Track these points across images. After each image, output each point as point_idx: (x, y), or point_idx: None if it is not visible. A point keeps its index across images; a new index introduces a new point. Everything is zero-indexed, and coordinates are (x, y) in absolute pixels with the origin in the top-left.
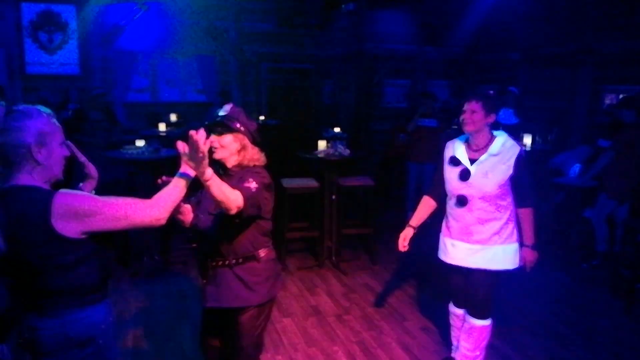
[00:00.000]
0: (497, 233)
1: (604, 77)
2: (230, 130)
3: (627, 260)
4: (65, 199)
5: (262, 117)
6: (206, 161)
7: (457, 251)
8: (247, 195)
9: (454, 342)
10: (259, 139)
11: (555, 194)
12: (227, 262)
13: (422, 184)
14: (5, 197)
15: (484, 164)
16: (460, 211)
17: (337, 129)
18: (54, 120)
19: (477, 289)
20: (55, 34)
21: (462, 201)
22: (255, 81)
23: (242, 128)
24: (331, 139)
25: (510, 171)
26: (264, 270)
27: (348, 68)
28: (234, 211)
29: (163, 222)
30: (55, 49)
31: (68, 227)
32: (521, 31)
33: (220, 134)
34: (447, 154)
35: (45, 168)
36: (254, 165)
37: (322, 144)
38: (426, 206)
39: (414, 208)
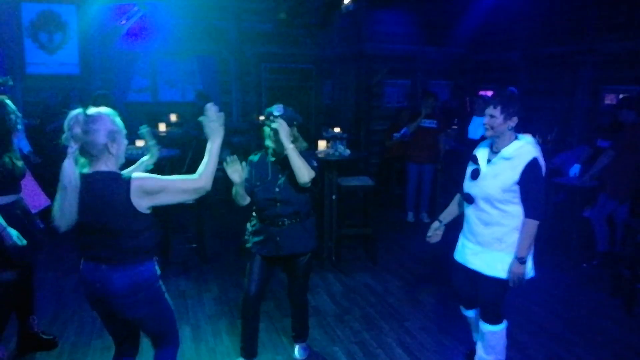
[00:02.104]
0: (499, 239)
1: (604, 77)
2: (288, 125)
3: (627, 260)
4: (140, 181)
5: (262, 117)
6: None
7: (463, 250)
8: (316, 170)
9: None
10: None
11: (555, 194)
12: (299, 219)
13: (422, 184)
14: (89, 180)
15: (495, 166)
16: (468, 210)
17: (337, 129)
18: (118, 119)
19: (484, 293)
20: (55, 34)
21: (468, 199)
22: (255, 81)
23: (295, 122)
24: (331, 139)
25: (517, 177)
26: (315, 223)
27: (348, 68)
28: (306, 179)
29: (208, 189)
30: (55, 49)
31: (141, 203)
32: (521, 31)
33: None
34: (474, 152)
35: (117, 157)
36: (305, 150)
37: (322, 144)
38: (455, 203)
39: (413, 208)
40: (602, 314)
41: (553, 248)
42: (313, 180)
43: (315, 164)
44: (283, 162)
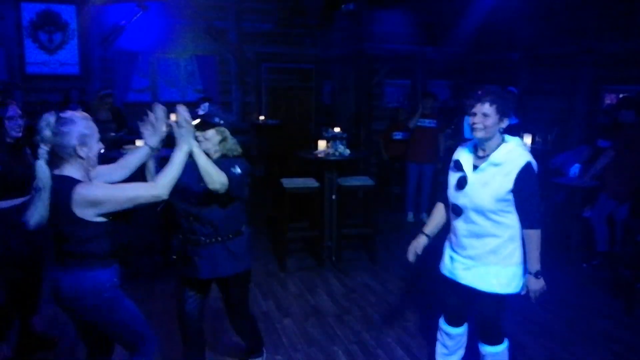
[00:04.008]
0: (494, 252)
1: (604, 77)
2: (212, 125)
3: (627, 260)
4: (83, 190)
5: (262, 117)
6: (192, 135)
7: (452, 264)
8: (233, 178)
9: None
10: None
11: (555, 194)
12: (219, 239)
13: (422, 184)
14: (53, 182)
15: (484, 174)
16: (456, 222)
17: (337, 129)
18: (92, 123)
19: (482, 311)
20: (55, 34)
21: (456, 211)
22: (255, 81)
23: (221, 122)
24: (331, 139)
25: (510, 185)
26: (246, 242)
27: (348, 68)
28: (216, 186)
29: (165, 197)
30: (55, 49)
31: (85, 212)
32: (521, 31)
33: (203, 129)
34: (454, 157)
35: (86, 161)
36: (235, 156)
37: (322, 144)
38: (440, 213)
39: (413, 208)
40: (602, 314)
41: (553, 248)
42: (234, 190)
43: (237, 170)
44: None
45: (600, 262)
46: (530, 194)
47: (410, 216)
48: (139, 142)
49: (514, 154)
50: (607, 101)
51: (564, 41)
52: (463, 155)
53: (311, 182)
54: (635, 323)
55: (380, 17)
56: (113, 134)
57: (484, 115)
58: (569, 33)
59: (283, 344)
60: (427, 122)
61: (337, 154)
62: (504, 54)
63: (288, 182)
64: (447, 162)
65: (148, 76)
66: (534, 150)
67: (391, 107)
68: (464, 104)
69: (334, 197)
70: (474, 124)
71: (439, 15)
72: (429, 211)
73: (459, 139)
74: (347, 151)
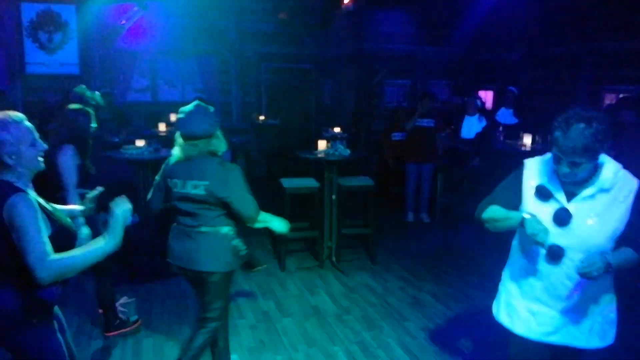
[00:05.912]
0: (595, 299)
1: (604, 77)
2: (197, 137)
3: None
4: (15, 204)
5: (262, 117)
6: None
7: (537, 320)
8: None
9: None
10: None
11: None
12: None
13: (421, 184)
14: None
15: (592, 203)
16: (550, 267)
17: (337, 129)
18: (21, 125)
19: None
20: (55, 34)
21: (556, 254)
22: (255, 81)
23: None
24: (331, 139)
25: (627, 216)
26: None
27: (348, 68)
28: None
29: (41, 283)
30: (55, 49)
31: (4, 224)
32: (521, 31)
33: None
34: (529, 177)
35: (17, 169)
36: (217, 155)
37: (322, 144)
38: None
39: (413, 208)
40: None
41: None
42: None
43: (250, 196)
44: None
45: None
46: None
47: (410, 216)
48: (139, 142)
49: (620, 174)
50: (607, 101)
51: (564, 41)
52: (543, 178)
53: (311, 182)
54: (634, 323)
55: (380, 17)
56: (117, 139)
57: (574, 164)
58: (569, 33)
59: (283, 344)
60: (425, 122)
61: (337, 154)
62: (504, 54)
63: (288, 182)
64: (511, 181)
65: (148, 76)
66: (534, 150)
67: (392, 107)
68: (465, 104)
69: (334, 197)
70: (564, 175)
71: (439, 15)
72: (429, 211)
73: (457, 140)
74: (347, 151)
